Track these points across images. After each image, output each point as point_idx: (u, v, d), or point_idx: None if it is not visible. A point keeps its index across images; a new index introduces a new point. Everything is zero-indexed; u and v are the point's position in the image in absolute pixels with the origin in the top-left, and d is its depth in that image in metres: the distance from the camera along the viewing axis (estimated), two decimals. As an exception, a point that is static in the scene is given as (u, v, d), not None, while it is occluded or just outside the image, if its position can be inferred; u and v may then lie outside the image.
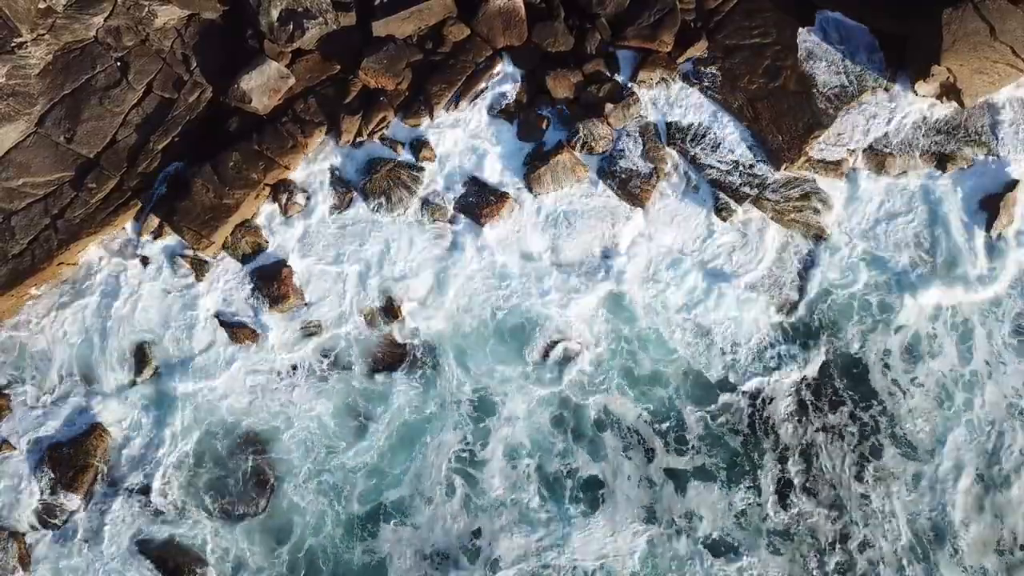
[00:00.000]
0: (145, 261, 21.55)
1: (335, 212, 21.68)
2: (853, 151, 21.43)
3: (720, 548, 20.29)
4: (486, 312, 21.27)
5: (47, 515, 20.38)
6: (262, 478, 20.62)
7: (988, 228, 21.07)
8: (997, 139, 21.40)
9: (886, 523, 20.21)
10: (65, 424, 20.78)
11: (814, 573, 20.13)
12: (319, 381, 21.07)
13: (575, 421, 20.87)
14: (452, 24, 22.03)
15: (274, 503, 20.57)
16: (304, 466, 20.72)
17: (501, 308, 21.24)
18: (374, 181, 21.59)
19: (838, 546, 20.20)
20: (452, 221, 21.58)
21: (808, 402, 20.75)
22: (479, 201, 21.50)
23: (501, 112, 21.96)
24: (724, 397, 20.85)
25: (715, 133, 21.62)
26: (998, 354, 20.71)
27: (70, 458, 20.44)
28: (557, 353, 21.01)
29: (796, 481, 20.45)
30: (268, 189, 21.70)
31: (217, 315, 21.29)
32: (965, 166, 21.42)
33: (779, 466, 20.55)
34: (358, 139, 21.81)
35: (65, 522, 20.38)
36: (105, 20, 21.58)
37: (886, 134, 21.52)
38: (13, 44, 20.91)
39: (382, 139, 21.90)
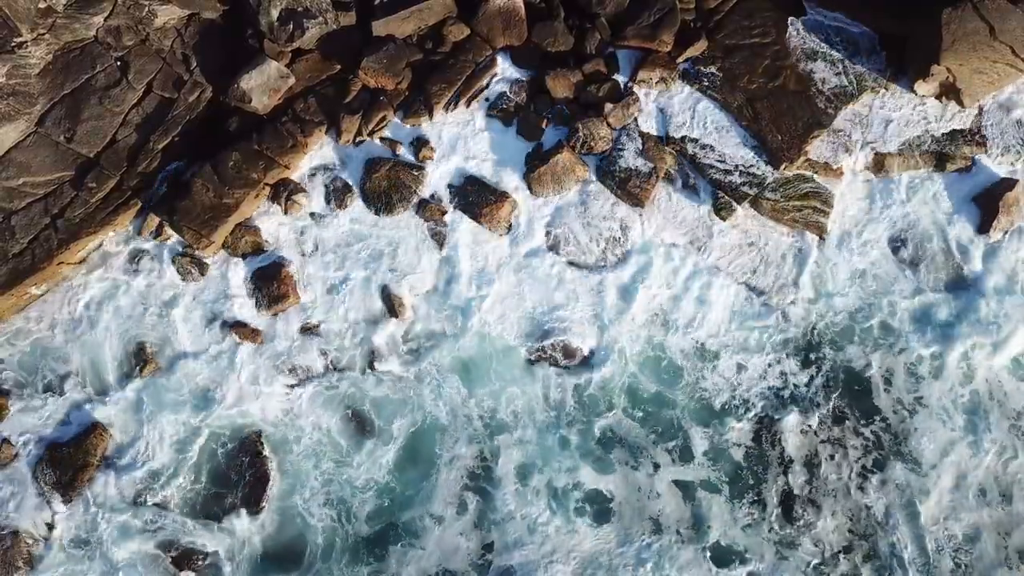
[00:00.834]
0: (145, 261, 21.53)
1: (335, 211, 21.69)
2: (852, 151, 21.44)
3: (727, 557, 20.17)
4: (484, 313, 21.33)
5: (47, 514, 20.35)
6: (261, 479, 20.61)
7: (986, 229, 21.05)
8: (994, 138, 21.43)
9: (891, 535, 20.13)
10: (64, 423, 20.77)
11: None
12: (318, 382, 21.06)
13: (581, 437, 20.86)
14: (452, 24, 22.04)
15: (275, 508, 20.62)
16: (307, 467, 20.75)
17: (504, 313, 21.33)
18: (374, 180, 21.60)
19: (842, 556, 20.11)
20: (451, 220, 21.57)
21: (811, 414, 20.73)
22: (479, 200, 21.51)
23: (501, 112, 21.97)
24: (728, 418, 20.83)
25: (714, 133, 21.63)
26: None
27: (70, 457, 20.45)
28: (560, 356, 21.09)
29: (800, 493, 20.38)
30: (268, 189, 21.71)
31: (216, 314, 21.29)
32: (964, 166, 21.44)
33: (784, 478, 20.47)
34: (358, 139, 21.82)
35: (64, 522, 20.36)
36: (105, 20, 21.58)
37: (885, 134, 21.52)
38: (13, 44, 20.90)
39: (382, 139, 21.92)
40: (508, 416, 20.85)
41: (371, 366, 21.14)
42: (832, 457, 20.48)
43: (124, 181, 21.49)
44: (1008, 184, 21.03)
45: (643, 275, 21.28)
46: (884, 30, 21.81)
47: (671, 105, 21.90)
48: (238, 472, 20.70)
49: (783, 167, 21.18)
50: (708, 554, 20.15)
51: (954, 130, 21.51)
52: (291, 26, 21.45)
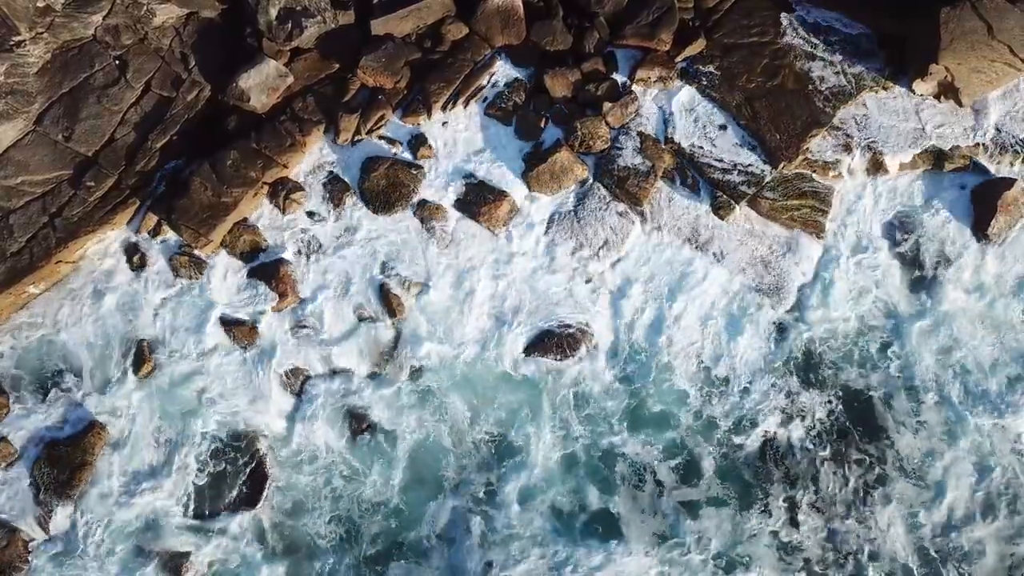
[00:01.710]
0: (143, 259, 21.53)
1: (333, 211, 21.68)
2: (851, 150, 21.44)
3: (733, 566, 20.12)
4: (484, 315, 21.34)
5: (45, 513, 20.32)
6: (258, 478, 20.60)
7: (984, 228, 21.05)
8: (991, 138, 21.46)
9: (895, 546, 20.08)
10: (63, 422, 20.74)
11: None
12: (316, 381, 21.06)
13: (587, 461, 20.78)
14: (450, 23, 22.05)
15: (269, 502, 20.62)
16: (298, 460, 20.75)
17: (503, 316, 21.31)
18: (372, 179, 21.60)
19: (848, 564, 20.10)
20: (449, 219, 21.57)
21: (811, 425, 20.70)
22: (477, 199, 21.51)
23: (499, 111, 21.96)
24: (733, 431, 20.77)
25: (713, 132, 21.64)
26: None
27: (68, 456, 20.42)
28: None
29: (805, 504, 20.35)
30: (266, 188, 21.69)
31: (215, 314, 21.26)
32: (962, 165, 21.45)
33: (788, 491, 20.44)
34: (356, 137, 21.82)
35: (62, 520, 20.34)
36: (104, 19, 21.58)
37: (883, 133, 21.53)
38: (11, 43, 20.90)
39: (380, 137, 21.92)
40: (507, 421, 20.88)
41: (370, 366, 21.12)
42: (836, 466, 20.48)
43: (122, 180, 21.48)
44: (1006, 183, 21.03)
45: (642, 275, 21.27)
46: (883, 29, 21.83)
47: (670, 104, 21.91)
48: (234, 472, 20.65)
49: (781, 166, 21.18)
50: (713, 562, 20.12)
51: (952, 129, 21.52)
52: (290, 25, 21.45)
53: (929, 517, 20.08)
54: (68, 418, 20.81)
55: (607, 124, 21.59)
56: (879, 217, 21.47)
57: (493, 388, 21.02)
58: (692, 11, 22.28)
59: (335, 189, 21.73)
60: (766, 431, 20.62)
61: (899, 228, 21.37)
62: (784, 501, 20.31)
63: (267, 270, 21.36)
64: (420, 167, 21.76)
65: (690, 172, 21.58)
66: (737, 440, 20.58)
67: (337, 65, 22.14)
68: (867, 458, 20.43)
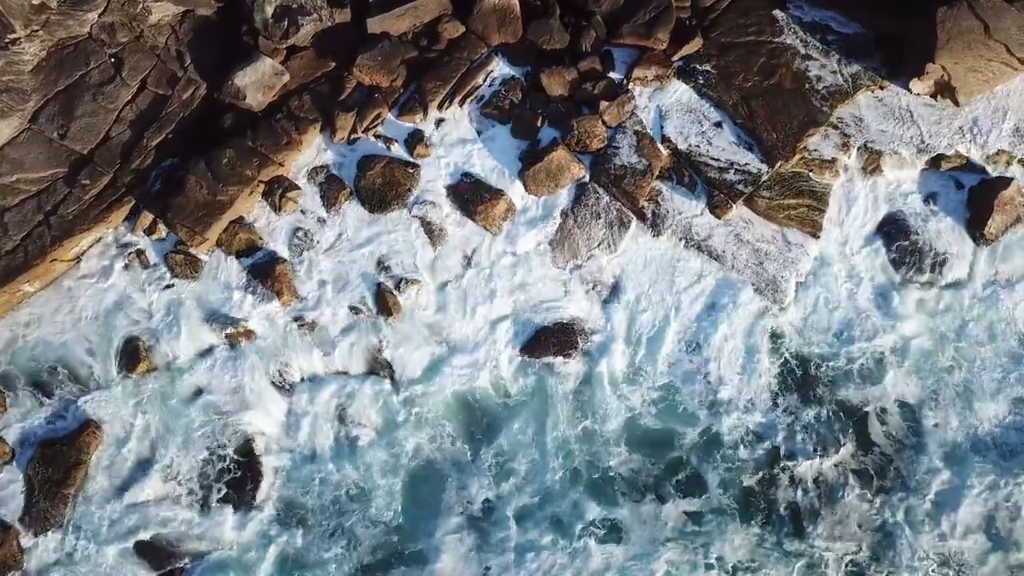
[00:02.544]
0: (138, 258, 21.49)
1: (329, 209, 21.64)
2: (847, 149, 21.44)
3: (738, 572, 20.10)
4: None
5: (40, 512, 20.26)
6: (254, 478, 20.54)
7: (980, 228, 21.05)
8: (988, 137, 21.47)
9: (897, 550, 20.03)
10: (57, 421, 20.68)
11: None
12: (313, 380, 21.02)
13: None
14: (447, 21, 22.05)
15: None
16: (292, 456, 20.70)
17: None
18: (368, 178, 21.56)
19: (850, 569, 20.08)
20: (446, 218, 21.53)
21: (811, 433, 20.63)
22: (474, 198, 21.48)
23: (496, 109, 21.94)
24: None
25: (710, 130, 21.64)
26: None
27: (62, 455, 20.35)
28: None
29: (808, 512, 20.30)
30: (262, 186, 21.65)
31: (210, 312, 21.22)
32: (959, 164, 21.45)
33: (791, 497, 20.37)
34: (352, 136, 21.79)
35: (56, 520, 20.28)
36: (99, 16, 21.55)
37: (880, 132, 21.54)
38: (7, 40, 20.87)
39: (376, 136, 21.89)
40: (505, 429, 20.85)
41: (370, 366, 21.07)
42: (841, 474, 20.42)
43: (118, 178, 21.44)
44: (1003, 183, 21.03)
45: (638, 274, 21.26)
46: (880, 29, 21.84)
47: (666, 103, 21.90)
48: (230, 472, 20.59)
49: (778, 165, 21.18)
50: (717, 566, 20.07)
51: (949, 129, 21.53)
52: (286, 23, 21.42)
53: (931, 525, 20.05)
54: (63, 417, 20.74)
55: (604, 123, 21.58)
56: (875, 216, 21.44)
57: (493, 388, 20.96)
58: (689, 10, 22.31)
59: (331, 188, 21.70)
60: (763, 432, 20.63)
61: (895, 228, 21.34)
62: (786, 509, 20.30)
63: (263, 269, 21.31)
64: (416, 166, 21.73)
65: (687, 171, 21.57)
66: (731, 438, 20.57)
67: (333, 63, 22.12)
68: (867, 463, 20.42)
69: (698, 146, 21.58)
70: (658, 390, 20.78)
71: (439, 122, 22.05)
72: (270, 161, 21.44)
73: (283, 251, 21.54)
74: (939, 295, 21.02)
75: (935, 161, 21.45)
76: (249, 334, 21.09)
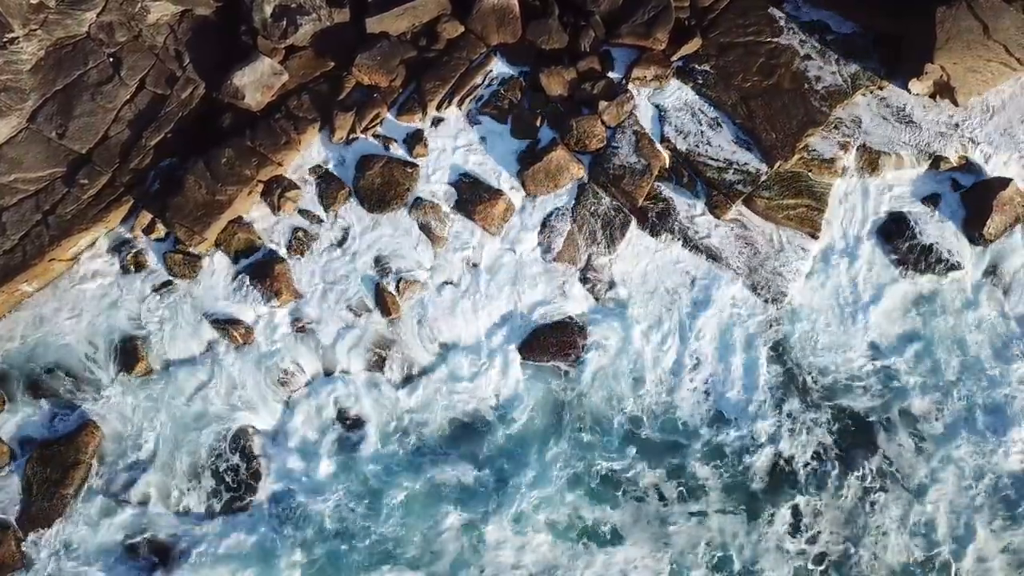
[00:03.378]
0: (137, 257, 21.47)
1: (328, 209, 21.63)
2: (846, 149, 21.45)
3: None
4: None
5: (38, 512, 20.24)
6: (252, 477, 20.52)
7: (979, 228, 21.06)
8: (987, 137, 21.49)
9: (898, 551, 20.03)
10: (55, 420, 20.64)
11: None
12: (313, 380, 21.00)
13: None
14: (446, 21, 22.05)
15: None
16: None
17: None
18: (367, 178, 21.55)
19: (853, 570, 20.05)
20: (444, 218, 21.52)
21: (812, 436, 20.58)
22: (473, 198, 21.47)
23: (495, 109, 21.95)
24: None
25: (709, 131, 21.65)
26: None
27: (60, 455, 20.32)
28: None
29: (809, 512, 20.27)
30: (261, 186, 21.63)
31: (209, 312, 21.20)
32: (958, 165, 21.47)
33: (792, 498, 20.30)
34: (351, 136, 21.78)
35: (55, 519, 20.26)
36: (97, 16, 21.54)
37: (879, 132, 21.55)
38: (5, 39, 20.86)
39: (375, 136, 21.88)
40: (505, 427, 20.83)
41: (370, 366, 21.06)
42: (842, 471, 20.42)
43: (116, 178, 21.41)
44: (1002, 183, 21.05)
45: (637, 274, 21.27)
46: (879, 29, 21.86)
47: (666, 103, 21.92)
48: (229, 472, 20.57)
49: (777, 165, 21.18)
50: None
51: (948, 129, 21.55)
52: (284, 23, 21.42)
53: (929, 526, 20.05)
54: (61, 417, 20.70)
55: (603, 123, 21.58)
56: (875, 217, 21.46)
57: (492, 387, 20.93)
58: (688, 10, 22.33)
59: (330, 187, 21.68)
60: (760, 431, 20.63)
61: (895, 228, 21.35)
62: (787, 509, 20.28)
63: (262, 269, 21.29)
64: (415, 166, 21.72)
65: (686, 171, 21.57)
66: (732, 439, 20.56)
67: (332, 63, 22.11)
68: (867, 465, 20.42)
69: (697, 146, 21.58)
70: (658, 390, 20.74)
71: (438, 122, 22.04)
72: (269, 161, 21.42)
73: (282, 251, 21.52)
74: (940, 295, 21.02)
75: (934, 161, 21.46)
76: (248, 334, 21.06)
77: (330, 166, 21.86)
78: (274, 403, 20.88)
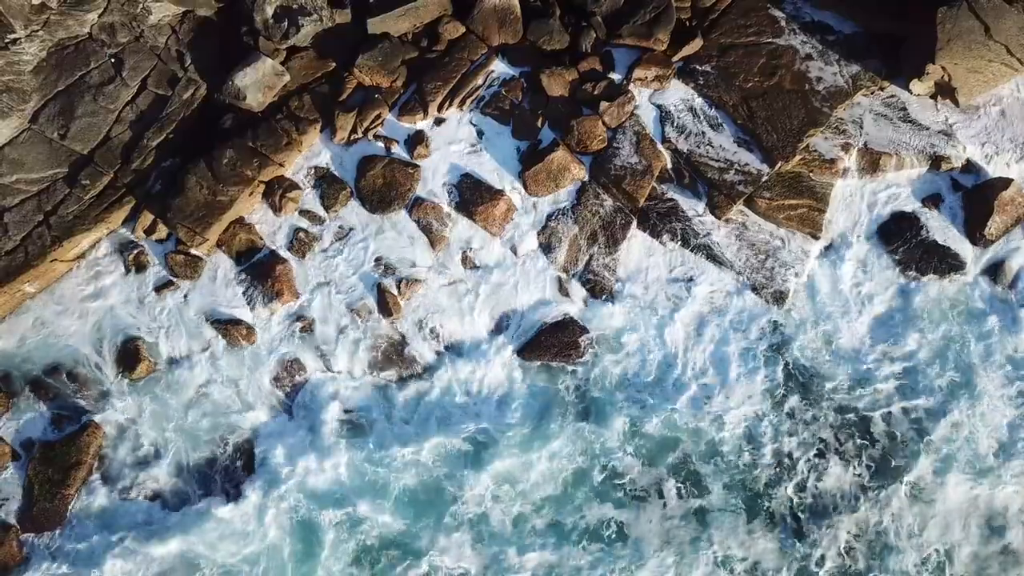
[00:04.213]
0: (138, 258, 21.49)
1: (330, 209, 21.65)
2: (847, 149, 21.46)
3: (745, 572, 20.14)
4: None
5: (40, 512, 20.26)
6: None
7: (980, 229, 21.06)
8: (988, 138, 21.51)
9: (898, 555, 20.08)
10: (58, 421, 20.67)
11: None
12: (312, 378, 21.02)
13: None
14: (447, 22, 22.06)
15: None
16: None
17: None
18: (368, 178, 21.57)
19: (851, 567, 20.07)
20: (446, 219, 21.54)
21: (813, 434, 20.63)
22: (474, 199, 21.48)
23: (496, 110, 21.95)
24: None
25: (710, 131, 21.66)
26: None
27: (63, 455, 20.34)
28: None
29: (810, 510, 20.31)
30: (263, 186, 21.65)
31: (210, 312, 21.23)
32: (959, 166, 21.47)
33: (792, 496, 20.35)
34: (353, 136, 21.79)
35: (56, 519, 20.29)
36: (99, 17, 21.56)
37: (880, 133, 21.56)
38: (7, 40, 20.87)
39: (377, 136, 21.89)
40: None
41: (371, 365, 21.07)
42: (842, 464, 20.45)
43: (118, 178, 21.44)
44: (1003, 183, 21.05)
45: (637, 274, 21.29)
46: (879, 29, 21.86)
47: (667, 104, 21.92)
48: (230, 471, 20.59)
49: (778, 166, 21.19)
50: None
51: (948, 129, 21.56)
52: (286, 23, 21.43)
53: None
54: (63, 417, 20.72)
55: (604, 124, 21.59)
56: (876, 217, 21.48)
57: (492, 387, 20.97)
58: (689, 11, 22.33)
59: (331, 188, 21.70)
60: (760, 431, 20.65)
61: (896, 228, 21.36)
62: (786, 508, 20.32)
63: (263, 269, 21.32)
64: (416, 166, 21.73)
65: (687, 171, 21.58)
66: (731, 440, 20.59)
67: (334, 64, 22.12)
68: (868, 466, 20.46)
69: (698, 147, 21.59)
70: (658, 389, 20.78)
71: (439, 122, 22.05)
72: (270, 161, 21.44)
73: (283, 251, 21.55)
74: (940, 294, 21.02)
75: (935, 162, 21.46)
76: (249, 334, 21.08)
77: (331, 167, 21.88)
78: (275, 402, 20.89)
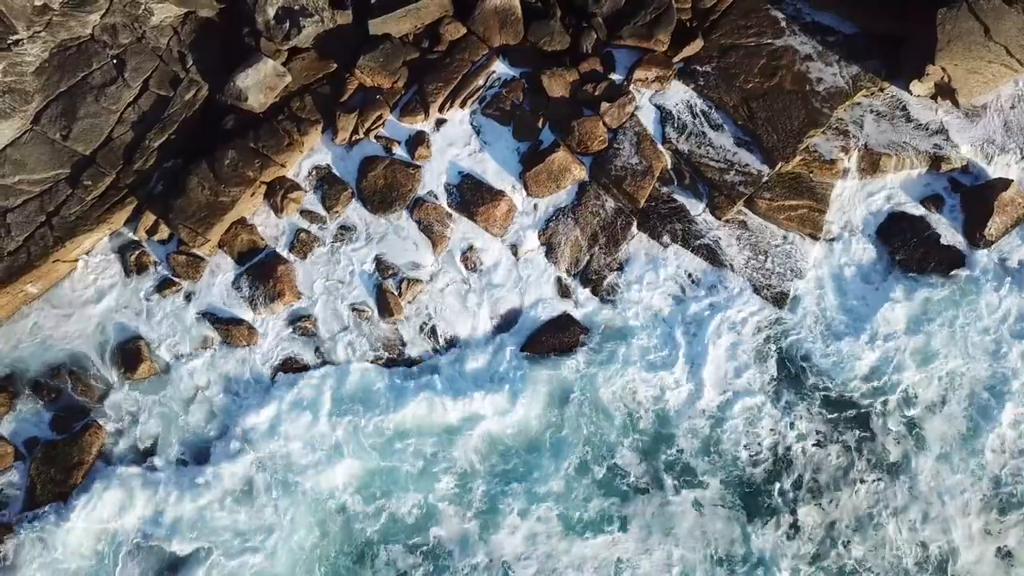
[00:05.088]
0: (140, 258, 21.53)
1: (331, 210, 21.69)
2: (848, 150, 21.49)
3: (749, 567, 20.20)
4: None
5: (42, 511, 20.31)
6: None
7: (980, 230, 21.09)
8: (988, 138, 21.55)
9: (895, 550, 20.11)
10: (61, 421, 20.70)
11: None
12: (312, 378, 21.07)
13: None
14: (448, 23, 22.09)
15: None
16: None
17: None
18: (370, 179, 21.61)
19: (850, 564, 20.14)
20: (447, 219, 21.58)
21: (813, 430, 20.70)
22: (475, 200, 21.52)
23: (497, 111, 21.99)
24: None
25: (710, 132, 21.69)
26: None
27: (65, 455, 20.37)
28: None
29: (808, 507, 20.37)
30: (264, 187, 21.70)
31: (212, 312, 21.28)
32: (959, 166, 21.50)
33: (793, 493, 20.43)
34: (354, 137, 21.84)
35: (57, 519, 20.33)
36: (101, 18, 21.60)
37: (880, 133, 21.59)
38: (9, 41, 20.90)
39: (378, 137, 21.93)
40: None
41: (366, 366, 21.13)
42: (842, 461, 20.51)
43: (120, 179, 21.48)
44: (1003, 184, 21.09)
45: (638, 273, 21.34)
46: (880, 30, 21.89)
47: (667, 104, 21.96)
48: (230, 471, 20.60)
49: (779, 166, 21.22)
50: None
51: (948, 130, 21.58)
52: (287, 24, 21.47)
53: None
54: (66, 417, 20.76)
55: (604, 124, 21.63)
56: (876, 217, 21.51)
57: (493, 387, 21.02)
58: (690, 12, 22.35)
59: (333, 189, 21.74)
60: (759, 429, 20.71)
61: (896, 228, 21.39)
62: (785, 505, 20.38)
63: (265, 269, 21.36)
64: (418, 167, 21.77)
65: (687, 172, 21.62)
66: (731, 438, 20.65)
67: (335, 65, 22.16)
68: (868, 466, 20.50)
69: (698, 147, 21.63)
70: (658, 389, 20.84)
71: (440, 123, 22.09)
72: (272, 162, 21.49)
73: (284, 252, 21.59)
74: (941, 294, 21.04)
75: (935, 162, 21.49)
76: (250, 334, 21.13)
77: (333, 167, 21.92)
78: (276, 402, 20.90)
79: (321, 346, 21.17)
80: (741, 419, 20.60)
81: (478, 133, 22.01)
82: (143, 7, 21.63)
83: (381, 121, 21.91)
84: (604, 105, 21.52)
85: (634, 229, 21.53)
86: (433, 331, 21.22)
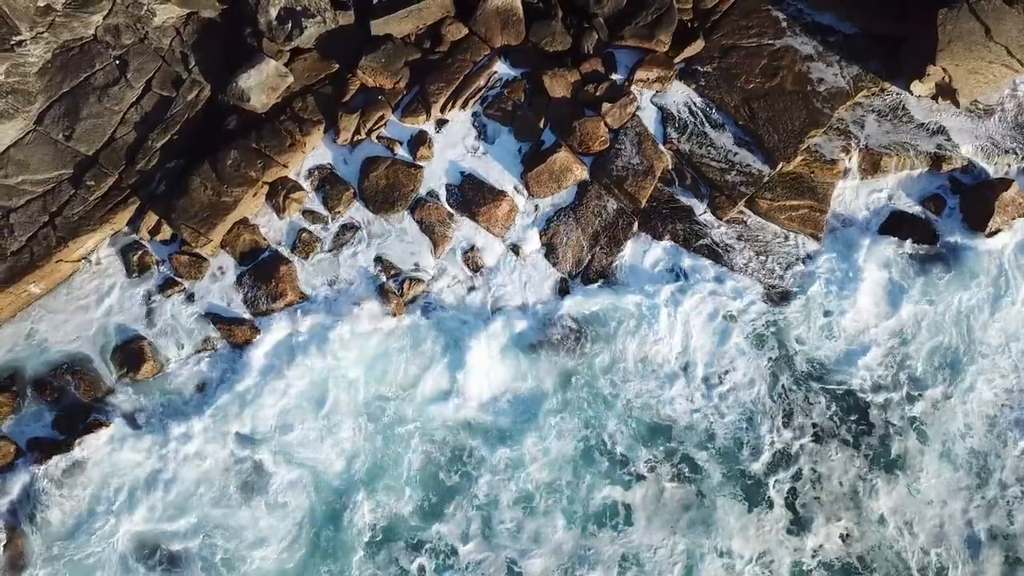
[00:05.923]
0: (143, 258, 21.58)
1: (333, 210, 21.74)
2: (849, 150, 21.53)
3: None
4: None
5: (45, 511, 20.36)
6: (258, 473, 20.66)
7: (981, 229, 21.14)
8: (989, 139, 21.59)
9: (897, 546, 20.18)
10: (64, 421, 20.74)
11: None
12: (313, 377, 21.13)
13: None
14: (450, 23, 22.13)
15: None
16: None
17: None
18: (372, 179, 21.66)
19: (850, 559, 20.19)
20: (448, 220, 21.62)
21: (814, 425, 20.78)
22: (476, 200, 21.57)
23: (499, 111, 22.03)
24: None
25: (711, 132, 21.74)
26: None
27: (68, 454, 20.40)
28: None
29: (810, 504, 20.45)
30: (266, 187, 21.75)
31: (214, 313, 21.33)
32: (960, 166, 21.54)
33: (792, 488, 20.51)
34: (356, 138, 21.88)
35: (62, 517, 20.39)
36: (104, 18, 21.63)
37: (881, 133, 21.63)
38: (12, 42, 20.94)
39: (380, 138, 21.98)
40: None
41: (368, 366, 21.17)
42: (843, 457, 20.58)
43: (123, 179, 21.52)
44: (1004, 184, 21.12)
45: (639, 273, 21.37)
46: (880, 31, 21.92)
47: (668, 105, 22.00)
48: (231, 471, 20.68)
49: (780, 166, 21.27)
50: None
51: (949, 130, 21.62)
52: (289, 25, 21.52)
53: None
54: (68, 417, 20.80)
55: (606, 125, 21.67)
56: (877, 217, 21.56)
57: (496, 386, 21.11)
58: (691, 12, 22.39)
59: (335, 189, 21.79)
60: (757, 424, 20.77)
61: (897, 228, 21.44)
62: (785, 498, 20.43)
63: (267, 269, 21.41)
64: (419, 167, 21.82)
65: (688, 172, 21.66)
66: (731, 436, 20.72)
67: (337, 65, 22.20)
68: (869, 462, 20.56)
69: (700, 147, 21.68)
70: (657, 389, 20.91)
71: (442, 124, 22.14)
72: (274, 162, 21.53)
73: (287, 252, 21.64)
74: (940, 294, 21.09)
75: (936, 162, 21.54)
76: (253, 333, 21.18)
77: (335, 168, 21.97)
78: (276, 401, 20.96)
79: (323, 346, 21.17)
80: (737, 413, 20.68)
81: (480, 133, 22.06)
82: (146, 8, 21.68)
83: (383, 121, 21.95)
84: (605, 105, 21.57)
85: (635, 229, 21.58)
86: (434, 331, 21.23)
